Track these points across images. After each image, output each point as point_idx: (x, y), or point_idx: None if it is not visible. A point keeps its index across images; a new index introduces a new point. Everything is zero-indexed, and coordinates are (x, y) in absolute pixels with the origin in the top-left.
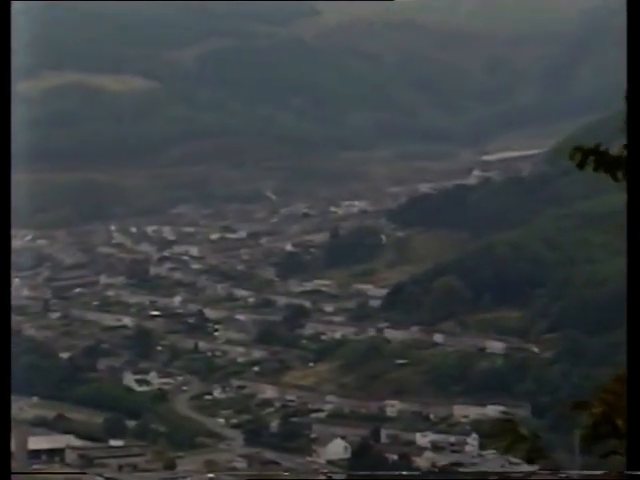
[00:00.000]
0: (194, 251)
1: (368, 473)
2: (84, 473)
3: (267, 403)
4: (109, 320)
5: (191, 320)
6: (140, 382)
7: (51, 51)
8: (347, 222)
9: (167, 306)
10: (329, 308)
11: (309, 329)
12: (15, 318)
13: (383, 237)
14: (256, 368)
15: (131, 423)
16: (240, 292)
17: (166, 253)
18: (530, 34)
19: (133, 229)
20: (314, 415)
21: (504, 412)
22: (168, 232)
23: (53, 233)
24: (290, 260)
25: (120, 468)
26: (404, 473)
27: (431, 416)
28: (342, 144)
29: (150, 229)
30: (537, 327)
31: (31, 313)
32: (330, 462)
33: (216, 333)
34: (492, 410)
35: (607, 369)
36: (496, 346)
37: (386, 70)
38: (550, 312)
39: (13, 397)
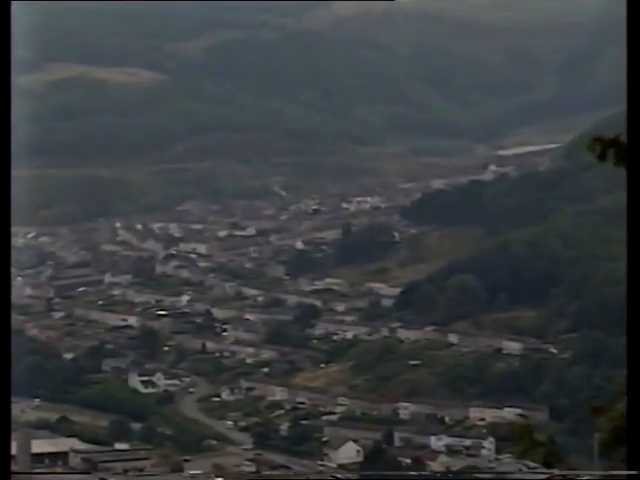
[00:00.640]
0: (201, 249)
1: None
2: (88, 473)
3: (277, 405)
4: (114, 320)
5: (198, 320)
6: (146, 384)
7: (54, 43)
8: (359, 219)
9: (174, 305)
10: (340, 307)
11: (320, 329)
12: (17, 318)
13: (396, 234)
14: (265, 369)
15: (137, 426)
16: (249, 291)
17: (172, 251)
18: (548, 24)
19: (138, 226)
20: (325, 418)
21: (521, 415)
22: (174, 229)
23: (56, 230)
24: (300, 258)
25: (126, 472)
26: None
27: (446, 419)
28: (353, 138)
29: (156, 226)
30: (555, 327)
31: (34, 313)
32: (342, 466)
33: (224, 333)
34: (509, 413)
35: None
36: (513, 347)
37: (398, 62)
38: (568, 311)
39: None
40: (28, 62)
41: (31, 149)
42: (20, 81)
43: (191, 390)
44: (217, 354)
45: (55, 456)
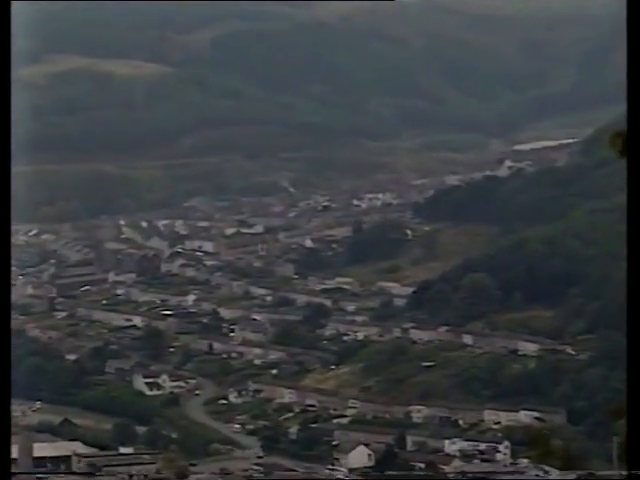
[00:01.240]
0: (208, 247)
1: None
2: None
3: (286, 408)
4: (118, 320)
5: (205, 320)
6: (151, 385)
7: (56, 33)
8: (370, 216)
9: (179, 305)
10: (351, 307)
11: (330, 329)
12: (19, 318)
13: (408, 232)
14: (274, 371)
15: (141, 429)
16: (257, 290)
17: (178, 249)
18: (565, 16)
19: (143, 223)
20: (336, 421)
21: (538, 418)
22: (180, 226)
23: (59, 227)
24: (310, 256)
25: (130, 477)
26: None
27: (460, 422)
28: (365, 133)
29: (161, 223)
30: (572, 327)
31: (35, 312)
32: (353, 470)
33: (231, 334)
34: (525, 416)
35: None
36: (529, 347)
37: (412, 54)
38: (586, 311)
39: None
40: (29, 54)
41: (32, 144)
42: (21, 73)
43: (197, 392)
44: (224, 355)
45: (57, 460)
